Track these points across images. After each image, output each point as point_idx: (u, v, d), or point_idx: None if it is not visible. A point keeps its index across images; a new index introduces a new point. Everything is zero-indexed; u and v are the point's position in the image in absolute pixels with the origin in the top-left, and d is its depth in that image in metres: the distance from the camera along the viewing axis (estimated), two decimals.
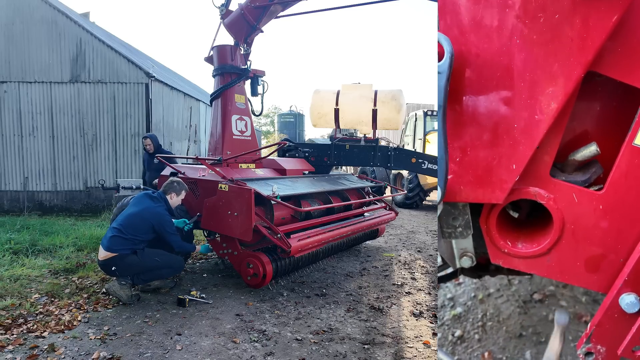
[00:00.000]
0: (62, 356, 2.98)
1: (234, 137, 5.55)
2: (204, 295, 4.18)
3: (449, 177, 1.67)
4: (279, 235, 4.09)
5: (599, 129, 1.86)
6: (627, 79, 1.54)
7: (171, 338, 3.30)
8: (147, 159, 6.53)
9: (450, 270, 2.66)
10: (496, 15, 1.56)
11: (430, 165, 6.16)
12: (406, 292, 4.60)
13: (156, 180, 5.78)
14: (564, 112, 1.57)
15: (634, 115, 1.60)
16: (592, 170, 1.78)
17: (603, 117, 1.85)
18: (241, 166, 5.51)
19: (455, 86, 1.61)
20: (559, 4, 1.47)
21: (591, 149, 1.72)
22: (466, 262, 2.09)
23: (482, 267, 2.50)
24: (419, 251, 6.72)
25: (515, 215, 2.07)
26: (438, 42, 1.54)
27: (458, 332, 3.22)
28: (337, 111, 7.23)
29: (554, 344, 2.10)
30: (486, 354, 3.00)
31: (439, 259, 2.60)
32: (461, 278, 3.66)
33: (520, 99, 1.58)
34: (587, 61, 1.48)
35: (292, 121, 18.79)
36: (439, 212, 1.83)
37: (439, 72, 1.48)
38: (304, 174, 6.01)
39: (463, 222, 1.86)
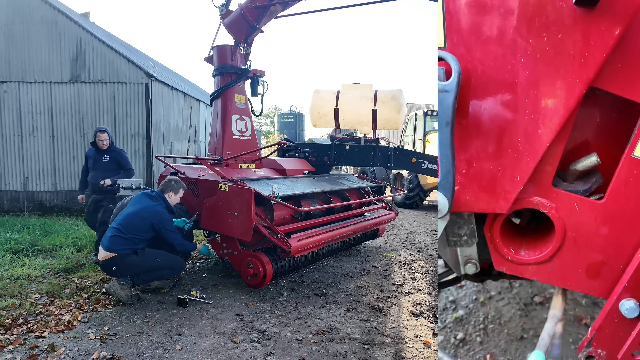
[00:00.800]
0: (62, 356, 2.98)
1: (234, 137, 5.55)
2: (204, 295, 4.18)
3: (455, 188, 1.71)
4: (279, 235, 4.09)
5: (599, 139, 1.92)
6: (625, 94, 1.59)
7: (171, 338, 3.30)
8: (93, 155, 5.45)
9: (452, 276, 2.68)
10: (501, 34, 1.62)
11: (430, 165, 6.16)
12: (406, 292, 4.60)
13: (107, 180, 5.14)
14: (566, 126, 1.63)
15: (634, 127, 1.65)
16: (593, 180, 1.83)
17: (603, 128, 1.91)
18: (241, 166, 5.51)
19: (461, 101, 1.67)
20: (561, 23, 1.53)
21: (592, 159, 1.77)
22: (471, 269, 2.15)
23: (485, 272, 2.52)
24: (419, 251, 6.72)
25: (517, 221, 2.10)
26: (440, 58, 1.60)
27: (460, 335, 3.23)
28: (337, 111, 7.24)
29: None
30: (488, 357, 3.00)
31: (440, 262, 2.61)
32: (463, 281, 3.66)
33: (524, 114, 1.64)
34: (588, 78, 1.54)
35: (292, 121, 18.79)
36: (440, 224, 1.85)
37: (445, 91, 1.53)
38: (304, 174, 6.01)
39: (468, 231, 1.93)
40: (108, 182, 5.21)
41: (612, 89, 1.60)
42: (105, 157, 5.38)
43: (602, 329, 1.73)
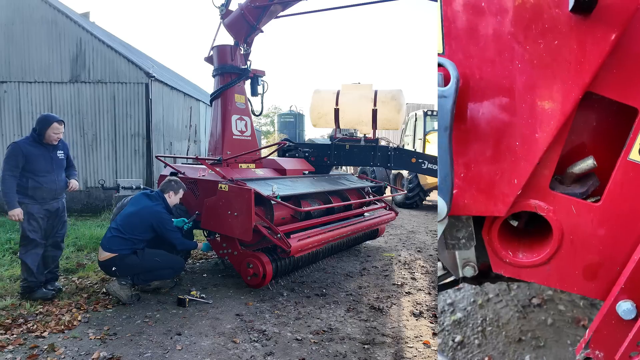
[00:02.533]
0: (62, 356, 2.98)
1: (234, 137, 5.55)
2: (204, 295, 4.19)
3: (454, 191, 1.74)
4: (278, 235, 4.09)
5: (595, 143, 1.95)
6: (621, 98, 1.63)
7: (171, 338, 3.30)
8: (39, 152, 3.97)
9: (451, 278, 2.69)
10: (498, 40, 1.66)
11: (430, 165, 6.16)
12: (406, 292, 4.61)
13: (74, 182, 4.27)
14: (562, 130, 1.67)
15: (629, 130, 1.68)
16: (590, 183, 1.86)
17: (599, 132, 1.94)
18: (241, 166, 5.51)
19: (459, 106, 1.69)
20: (557, 30, 1.57)
21: (588, 163, 1.80)
22: (469, 272, 2.18)
23: (483, 274, 2.54)
24: (419, 251, 6.73)
25: (515, 224, 2.13)
26: (440, 64, 1.63)
27: (458, 338, 3.22)
28: (337, 111, 7.25)
29: None
30: (486, 359, 3.00)
31: (439, 265, 2.62)
32: (461, 284, 3.67)
33: (522, 119, 1.67)
34: (584, 83, 1.58)
35: (292, 121, 18.81)
36: (439, 227, 1.87)
37: (444, 96, 1.56)
38: (304, 174, 6.01)
39: (466, 234, 1.95)
40: (76, 184, 4.32)
41: (607, 93, 1.64)
42: (60, 154, 4.20)
43: (600, 330, 1.75)
